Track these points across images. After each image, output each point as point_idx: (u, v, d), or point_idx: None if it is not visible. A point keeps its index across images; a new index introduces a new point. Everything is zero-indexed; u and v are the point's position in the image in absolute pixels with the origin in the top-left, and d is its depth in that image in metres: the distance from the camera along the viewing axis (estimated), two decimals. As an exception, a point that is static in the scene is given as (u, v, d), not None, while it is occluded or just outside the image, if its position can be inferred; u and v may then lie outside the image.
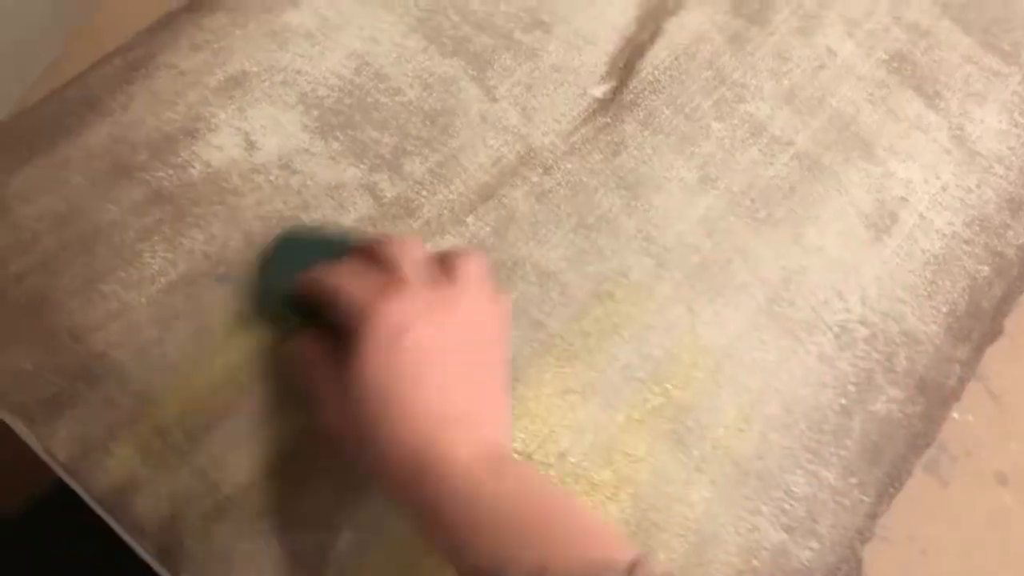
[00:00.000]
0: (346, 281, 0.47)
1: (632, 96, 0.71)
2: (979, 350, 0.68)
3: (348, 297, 0.46)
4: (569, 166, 0.67)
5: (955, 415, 0.68)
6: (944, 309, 0.68)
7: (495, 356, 0.50)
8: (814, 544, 0.58)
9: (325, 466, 0.54)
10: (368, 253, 0.49)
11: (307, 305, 0.50)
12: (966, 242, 0.71)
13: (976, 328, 0.69)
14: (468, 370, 0.47)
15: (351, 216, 0.61)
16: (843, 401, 0.63)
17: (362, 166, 0.64)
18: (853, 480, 0.61)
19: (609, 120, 0.70)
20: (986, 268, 0.71)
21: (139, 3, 0.88)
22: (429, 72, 0.68)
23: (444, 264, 0.49)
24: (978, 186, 0.73)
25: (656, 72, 0.73)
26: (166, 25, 0.66)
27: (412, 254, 0.48)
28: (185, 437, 0.53)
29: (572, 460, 0.57)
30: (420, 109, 0.67)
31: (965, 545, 0.67)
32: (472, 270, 0.49)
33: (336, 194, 0.62)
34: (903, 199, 0.71)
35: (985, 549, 0.69)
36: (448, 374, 0.46)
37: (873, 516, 0.60)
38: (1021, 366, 0.72)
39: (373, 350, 0.44)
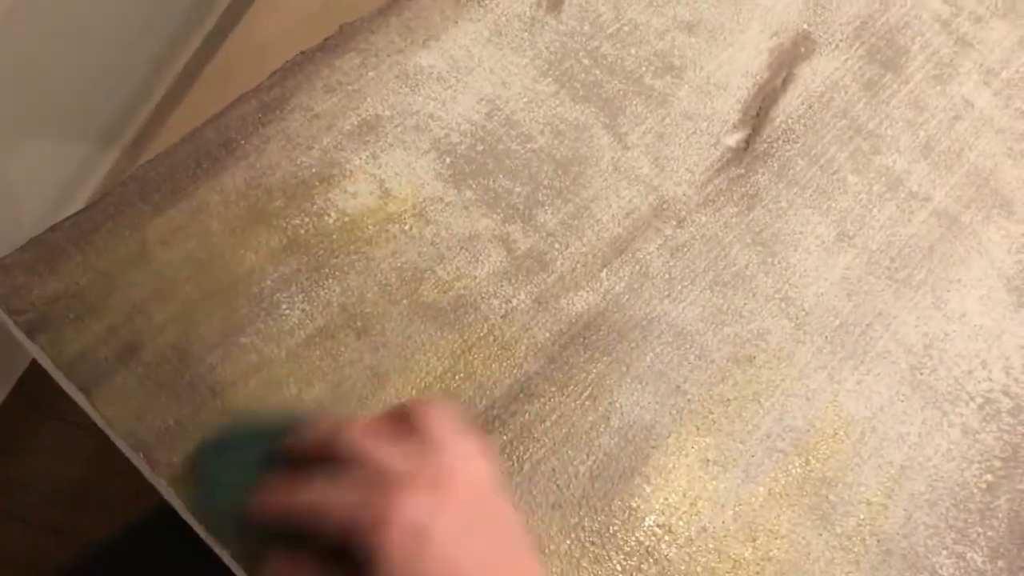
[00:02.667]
0: (319, 493, 0.40)
1: (766, 146, 0.69)
2: None
3: (336, 513, 0.39)
4: (703, 219, 0.65)
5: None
6: (1091, 381, 0.65)
7: (510, 519, 0.43)
8: (961, 631, 0.56)
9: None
10: (317, 444, 0.43)
11: (265, 518, 0.42)
12: (1112, 309, 0.68)
13: (1123, 401, 0.66)
14: (495, 547, 0.41)
15: (485, 269, 0.60)
16: (989, 478, 0.60)
17: (495, 216, 0.62)
18: (1001, 563, 0.58)
19: (743, 171, 0.68)
20: None
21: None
22: (560, 118, 0.67)
23: (405, 424, 0.42)
24: (1124, 249, 0.70)
25: (790, 121, 0.71)
26: (299, 66, 0.65)
27: (369, 433, 0.41)
28: (325, 499, 0.52)
29: (713, 535, 0.55)
30: (552, 157, 0.65)
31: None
32: (439, 422, 0.42)
33: (470, 246, 0.61)
34: (1046, 261, 0.69)
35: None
36: (477, 560, 0.39)
37: (1023, 603, 0.58)
38: None
39: (400, 568, 0.37)
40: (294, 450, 0.43)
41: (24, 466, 1.31)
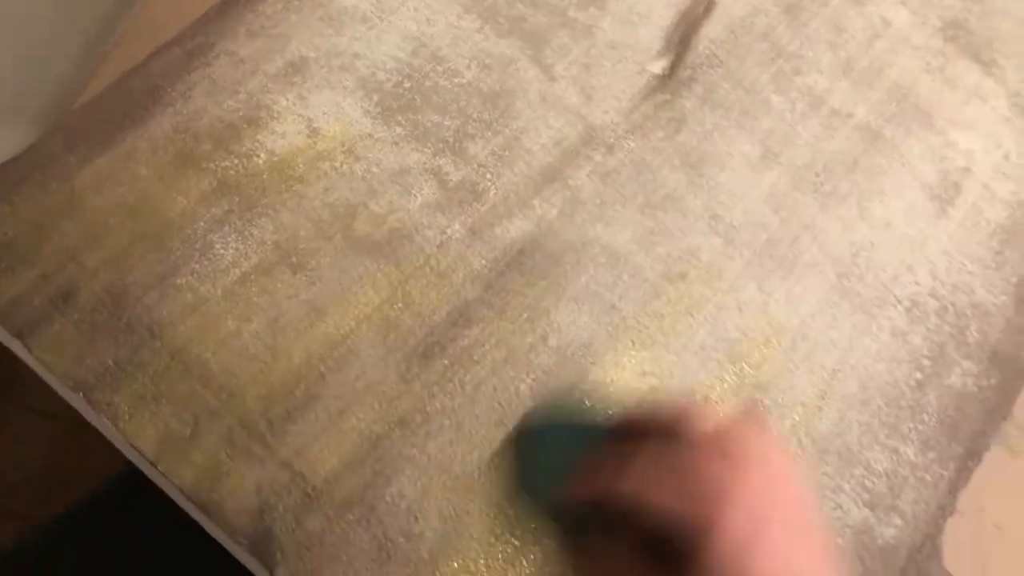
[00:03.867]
0: (648, 483, 0.40)
1: (690, 71, 0.70)
2: (1048, 320, 0.68)
3: (661, 507, 0.40)
4: (631, 145, 0.66)
5: (1024, 386, 0.67)
6: (1013, 280, 0.67)
7: (820, 534, 0.44)
8: (897, 521, 0.58)
9: (408, 455, 0.53)
10: (649, 423, 0.42)
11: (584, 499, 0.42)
12: (1031, 211, 0.70)
13: (1044, 298, 0.68)
14: (812, 562, 0.41)
15: (418, 202, 0.61)
16: (918, 376, 0.62)
17: (425, 150, 0.63)
18: (932, 455, 0.60)
19: (668, 96, 0.69)
20: (1051, 237, 0.70)
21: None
22: (486, 53, 0.67)
23: (730, 437, 0.43)
24: (1040, 154, 0.73)
25: (713, 46, 0.72)
26: (223, 12, 0.65)
27: (708, 434, 0.42)
28: (268, 428, 0.53)
29: (653, 442, 0.57)
30: (479, 91, 0.66)
31: (1037, 516, 0.67)
32: (761, 442, 0.43)
33: (401, 179, 0.61)
34: (965, 169, 0.71)
35: (1056, 520, 0.68)
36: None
37: (954, 491, 0.60)
38: (1088, 335, 0.71)
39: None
40: (623, 429, 0.43)
41: (-16, 455, 1.30)
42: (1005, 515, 0.67)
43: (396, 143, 0.62)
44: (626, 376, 0.58)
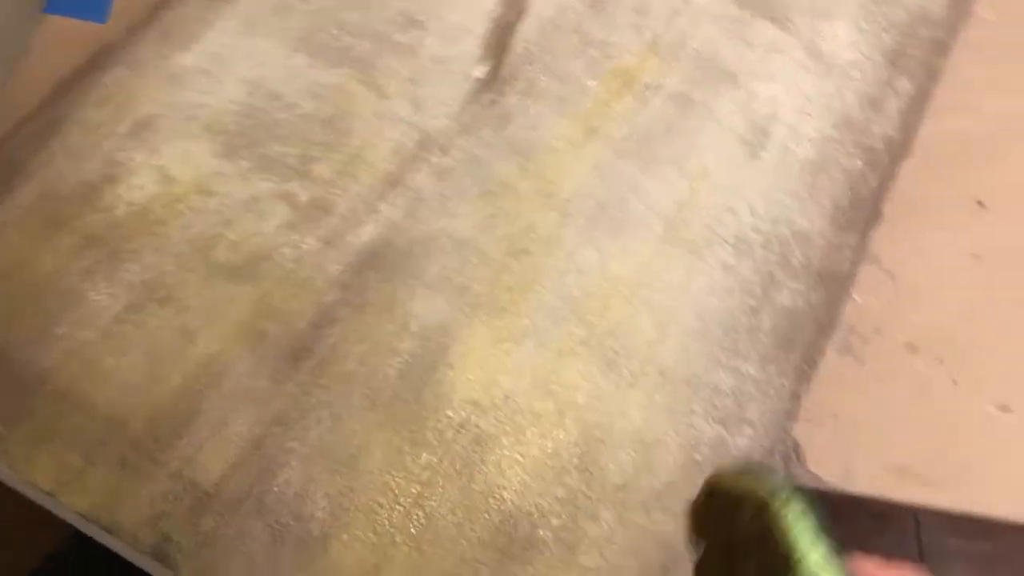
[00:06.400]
0: None
1: (510, 71, 0.77)
2: (865, 236, 0.75)
3: None
4: (464, 143, 0.73)
5: (857, 298, 0.74)
6: (827, 205, 0.75)
7: None
8: (748, 431, 0.64)
9: (289, 447, 0.58)
10: None
11: None
12: (836, 142, 0.78)
13: (859, 217, 0.75)
14: None
15: (271, 224, 0.66)
16: (751, 302, 0.69)
17: (274, 178, 0.69)
18: (772, 368, 0.67)
19: (493, 96, 0.75)
20: (859, 162, 0.78)
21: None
22: (319, 84, 0.74)
23: None
24: (838, 91, 0.81)
25: (528, 45, 0.79)
26: (70, 86, 0.70)
27: None
28: (156, 446, 0.57)
29: (515, 399, 0.62)
30: (317, 118, 0.72)
31: (890, 413, 0.74)
32: None
33: (254, 207, 0.67)
34: (771, 116, 0.78)
35: (908, 413, 0.75)
36: None
37: (796, 397, 0.66)
38: (906, 244, 0.79)
39: None
40: None
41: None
42: (861, 417, 0.74)
43: (244, 176, 0.68)
44: (484, 345, 0.64)
